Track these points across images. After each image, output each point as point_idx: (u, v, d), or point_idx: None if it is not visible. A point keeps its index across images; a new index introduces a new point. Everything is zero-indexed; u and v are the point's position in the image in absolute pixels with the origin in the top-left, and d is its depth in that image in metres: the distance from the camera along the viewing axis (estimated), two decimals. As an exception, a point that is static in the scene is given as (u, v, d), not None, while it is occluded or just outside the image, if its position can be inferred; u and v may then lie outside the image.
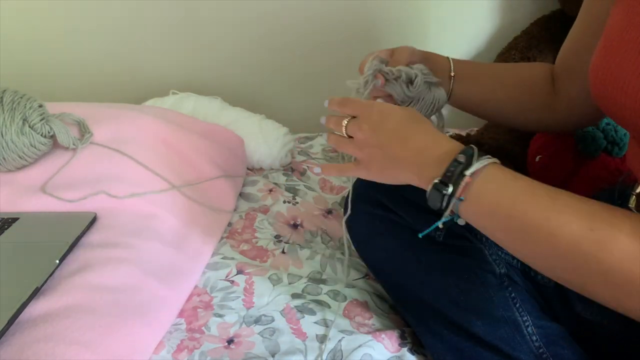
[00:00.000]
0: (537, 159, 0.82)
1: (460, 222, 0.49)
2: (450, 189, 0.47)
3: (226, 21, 1.21)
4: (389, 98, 0.67)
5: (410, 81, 0.65)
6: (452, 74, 0.70)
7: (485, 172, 0.46)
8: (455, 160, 0.47)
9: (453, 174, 0.47)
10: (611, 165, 0.76)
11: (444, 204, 0.48)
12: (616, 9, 0.49)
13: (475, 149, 0.47)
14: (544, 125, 0.75)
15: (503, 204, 0.45)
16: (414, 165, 0.51)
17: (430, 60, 0.70)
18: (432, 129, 0.53)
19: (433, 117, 0.69)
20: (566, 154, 0.79)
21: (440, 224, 0.50)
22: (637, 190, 0.57)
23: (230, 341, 0.64)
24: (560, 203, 0.43)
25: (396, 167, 0.53)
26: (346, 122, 0.57)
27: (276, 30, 1.22)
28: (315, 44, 1.24)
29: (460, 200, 0.47)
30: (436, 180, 0.47)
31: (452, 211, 0.48)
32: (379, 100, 0.64)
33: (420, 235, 0.55)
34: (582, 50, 0.62)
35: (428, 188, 0.49)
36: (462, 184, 0.46)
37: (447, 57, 0.72)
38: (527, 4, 1.19)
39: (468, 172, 0.46)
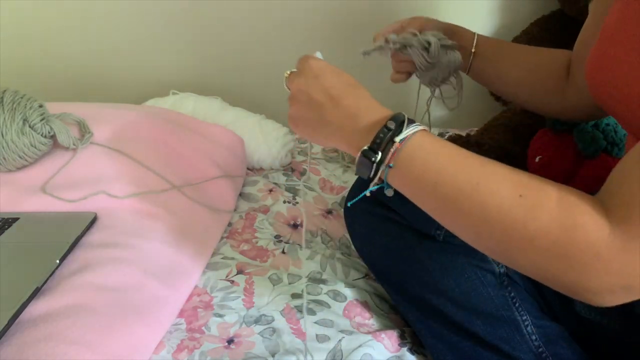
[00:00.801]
0: (537, 159, 0.82)
1: (389, 192, 0.49)
2: (379, 156, 0.46)
3: (226, 21, 1.21)
4: (410, 64, 0.71)
5: (425, 48, 0.67)
6: (473, 50, 0.73)
7: (414, 138, 0.45)
8: (385, 126, 0.46)
9: (382, 141, 0.46)
10: (611, 165, 0.76)
11: (372, 172, 0.47)
12: (614, 6, 0.50)
13: (406, 115, 0.47)
14: (555, 111, 0.76)
15: (432, 170, 0.44)
16: (343, 130, 0.49)
17: (454, 32, 0.72)
18: (367, 95, 0.51)
19: (452, 79, 0.72)
20: (566, 153, 0.79)
21: (367, 193, 0.49)
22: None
23: (230, 341, 0.64)
24: (489, 170, 0.43)
25: (324, 129, 0.51)
26: (287, 74, 0.55)
27: (276, 30, 1.22)
28: (316, 44, 1.24)
29: (390, 167, 0.46)
30: (365, 147, 0.46)
31: (380, 179, 0.47)
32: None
33: (348, 204, 0.55)
34: (590, 42, 0.63)
35: (357, 155, 0.47)
36: (392, 150, 0.45)
37: (474, 33, 0.74)
38: (527, 4, 1.19)
39: (397, 139, 0.45)
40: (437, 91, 0.75)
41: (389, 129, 0.46)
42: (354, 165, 0.48)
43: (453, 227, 0.46)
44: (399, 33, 0.71)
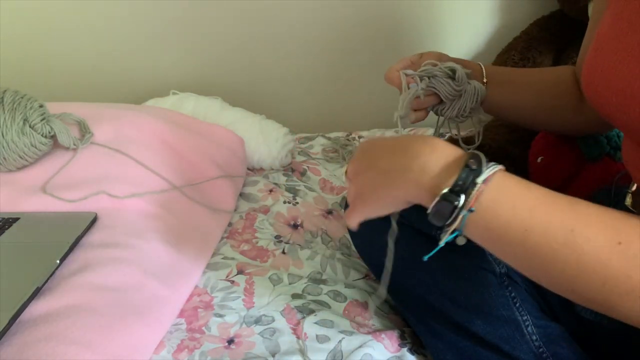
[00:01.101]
0: (539, 160, 0.82)
1: (460, 241, 0.44)
2: (462, 199, 0.40)
3: (226, 21, 1.21)
4: (433, 97, 0.66)
5: (450, 76, 0.65)
6: (485, 80, 0.69)
7: (496, 179, 0.40)
8: (467, 166, 0.41)
9: (465, 182, 0.40)
10: (612, 169, 0.76)
11: (452, 217, 0.41)
12: (607, 12, 0.51)
13: (482, 154, 0.41)
14: (576, 128, 0.74)
15: (519, 216, 0.39)
16: (411, 174, 0.43)
17: (462, 65, 0.69)
18: (428, 137, 0.46)
19: (476, 107, 0.68)
20: (568, 155, 0.79)
21: (442, 244, 0.44)
22: (633, 189, 0.57)
23: (230, 341, 0.64)
24: (582, 214, 0.39)
25: (389, 182, 0.45)
26: (345, 169, 0.52)
27: (277, 30, 1.22)
28: (316, 44, 1.24)
29: (471, 211, 0.41)
30: (445, 190, 0.41)
31: (459, 224, 0.42)
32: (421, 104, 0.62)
33: (425, 259, 0.48)
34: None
35: (434, 200, 0.41)
36: (474, 193, 0.40)
37: (479, 64, 0.71)
38: (527, 4, 1.19)
39: (479, 180, 0.40)
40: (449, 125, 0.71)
41: (472, 169, 0.40)
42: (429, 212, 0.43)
43: (544, 278, 0.42)
44: (415, 65, 0.66)
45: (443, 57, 0.69)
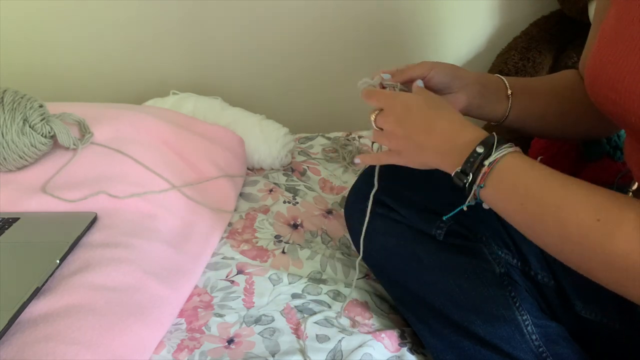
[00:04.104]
0: (539, 159, 0.82)
1: (485, 206, 0.53)
2: (470, 178, 0.50)
3: (226, 21, 1.21)
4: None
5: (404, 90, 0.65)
6: (509, 92, 0.67)
7: (504, 161, 0.49)
8: (475, 151, 0.50)
9: (473, 164, 0.50)
10: (613, 169, 0.76)
11: (466, 190, 0.51)
12: (611, 11, 0.51)
13: (497, 137, 0.50)
14: (604, 132, 0.75)
15: (518, 192, 0.48)
16: (439, 154, 0.54)
17: (483, 81, 0.66)
18: (454, 114, 0.55)
19: None
20: (569, 155, 0.79)
21: (465, 207, 0.54)
22: (634, 188, 0.58)
23: (230, 341, 0.64)
24: (571, 191, 0.46)
25: (424, 155, 0.56)
26: (374, 116, 0.60)
27: (276, 31, 1.22)
28: (316, 44, 1.24)
29: (481, 187, 0.50)
30: (458, 169, 0.51)
31: (474, 195, 0.51)
32: (400, 88, 0.64)
33: (444, 218, 0.61)
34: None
35: (452, 175, 0.52)
36: (481, 173, 0.50)
37: (498, 76, 0.68)
38: (527, 4, 1.19)
39: (487, 162, 0.49)
40: None
41: (479, 153, 0.50)
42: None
43: (539, 242, 0.49)
44: (400, 73, 0.65)
45: (437, 68, 0.64)
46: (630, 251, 0.41)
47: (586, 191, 0.45)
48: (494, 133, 0.51)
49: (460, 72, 0.66)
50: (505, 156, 0.49)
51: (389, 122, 0.58)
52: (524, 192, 0.48)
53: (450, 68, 0.65)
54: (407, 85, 0.64)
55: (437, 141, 0.54)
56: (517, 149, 0.51)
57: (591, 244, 0.43)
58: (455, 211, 0.56)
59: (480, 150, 0.50)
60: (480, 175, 0.50)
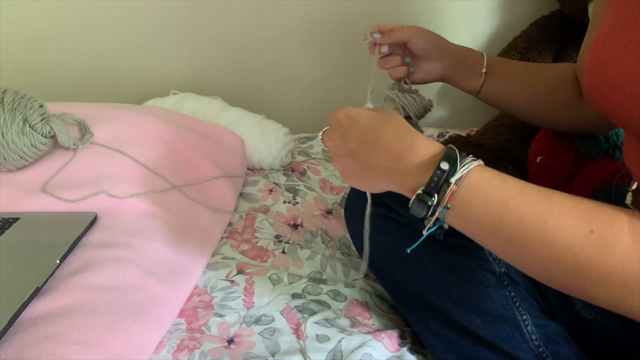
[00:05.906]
0: (539, 159, 0.82)
1: (445, 225, 0.46)
2: (435, 199, 0.43)
3: (227, 21, 1.21)
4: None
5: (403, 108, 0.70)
6: (484, 70, 0.72)
7: (471, 176, 0.43)
8: (439, 168, 0.43)
9: (437, 184, 0.43)
10: (612, 168, 0.76)
11: (429, 213, 0.45)
12: (609, 11, 0.51)
13: (457, 150, 0.44)
14: (572, 127, 0.75)
15: (494, 210, 0.42)
16: (391, 173, 0.47)
17: (462, 55, 0.72)
18: (406, 127, 0.48)
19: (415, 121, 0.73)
20: (567, 154, 0.79)
21: (424, 233, 0.47)
22: (633, 187, 0.58)
23: (230, 341, 0.64)
24: (556, 204, 0.41)
25: (372, 175, 0.49)
26: (321, 134, 0.55)
27: (277, 30, 1.22)
28: (316, 44, 1.24)
29: (447, 208, 0.44)
30: (419, 191, 0.44)
31: (438, 218, 0.45)
32: (368, 105, 0.64)
33: (408, 250, 0.50)
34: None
35: (411, 198, 0.45)
36: (448, 192, 0.43)
37: (482, 53, 0.73)
38: (527, 4, 1.19)
39: (453, 179, 0.43)
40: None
41: (443, 170, 0.43)
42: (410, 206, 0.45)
43: (522, 266, 0.44)
44: (388, 34, 0.70)
45: (420, 35, 0.69)
46: (629, 263, 0.38)
47: (572, 201, 0.41)
48: (451, 145, 0.45)
49: (442, 42, 0.71)
50: (472, 170, 0.43)
51: (332, 139, 0.52)
52: (502, 209, 0.42)
53: (434, 36, 0.71)
54: (417, 94, 0.70)
55: (386, 158, 0.47)
56: (480, 161, 0.44)
57: (586, 261, 0.39)
58: (418, 242, 0.48)
59: (444, 166, 0.43)
60: (447, 195, 0.43)
